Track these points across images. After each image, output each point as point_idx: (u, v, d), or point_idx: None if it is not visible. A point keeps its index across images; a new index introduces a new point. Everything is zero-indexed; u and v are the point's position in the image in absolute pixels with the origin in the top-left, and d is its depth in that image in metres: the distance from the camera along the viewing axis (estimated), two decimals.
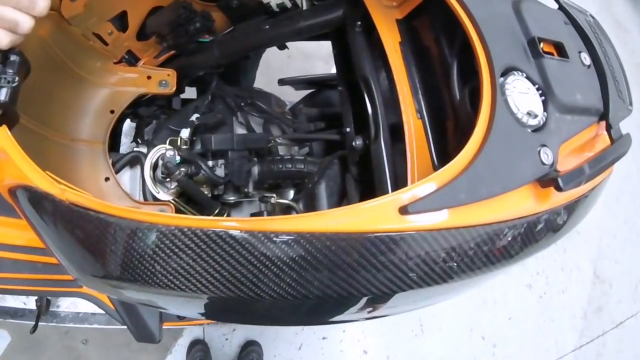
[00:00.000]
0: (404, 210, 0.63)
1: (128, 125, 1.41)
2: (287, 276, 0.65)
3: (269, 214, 1.16)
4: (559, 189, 0.71)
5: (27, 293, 1.34)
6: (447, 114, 0.95)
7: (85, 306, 1.49)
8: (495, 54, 0.78)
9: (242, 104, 1.34)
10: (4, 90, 0.74)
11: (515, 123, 0.75)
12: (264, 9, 1.27)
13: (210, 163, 1.17)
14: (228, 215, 1.23)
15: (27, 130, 1.02)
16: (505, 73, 0.79)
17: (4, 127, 0.73)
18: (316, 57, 2.99)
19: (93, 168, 1.15)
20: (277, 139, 1.29)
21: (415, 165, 0.91)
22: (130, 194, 1.16)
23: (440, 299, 0.97)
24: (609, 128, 0.89)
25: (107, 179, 1.15)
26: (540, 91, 0.80)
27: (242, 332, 2.30)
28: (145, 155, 1.16)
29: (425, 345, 2.55)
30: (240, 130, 1.31)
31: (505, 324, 2.75)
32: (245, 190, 1.22)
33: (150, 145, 1.19)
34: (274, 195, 1.16)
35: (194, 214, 1.18)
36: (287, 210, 1.18)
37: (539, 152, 0.74)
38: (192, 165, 1.12)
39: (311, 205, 1.15)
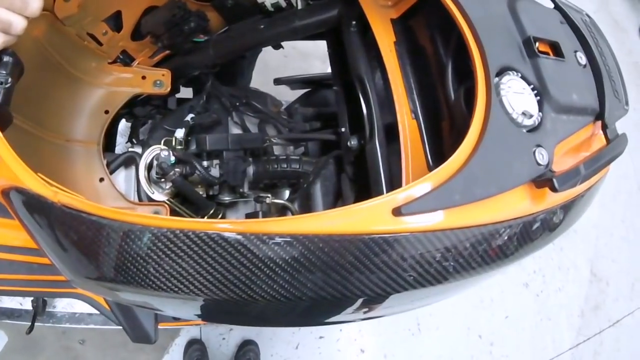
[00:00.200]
0: (398, 212, 0.63)
1: (124, 125, 1.41)
2: (282, 278, 0.64)
3: (265, 214, 1.16)
4: (554, 189, 0.71)
5: (24, 294, 1.33)
6: (442, 114, 0.95)
7: (81, 307, 1.48)
8: (491, 53, 0.78)
9: (238, 103, 1.34)
10: None
11: (510, 123, 0.75)
12: (259, 9, 1.27)
13: (205, 163, 1.17)
14: (223, 216, 1.23)
15: (22, 131, 1.01)
16: (501, 73, 0.79)
17: None
18: (313, 56, 2.99)
19: (88, 168, 1.15)
20: (272, 139, 1.29)
21: (410, 165, 0.91)
22: (125, 194, 1.16)
23: (437, 299, 0.97)
24: (604, 128, 0.89)
25: (101, 179, 1.15)
26: (536, 91, 0.80)
27: (239, 332, 2.29)
28: (140, 156, 1.15)
29: (422, 344, 2.55)
30: (235, 130, 1.31)
31: (502, 322, 2.75)
32: (241, 190, 1.22)
33: (145, 145, 1.19)
34: (270, 195, 1.16)
35: (189, 215, 1.17)
36: (282, 210, 1.18)
37: (534, 152, 0.74)
38: (187, 165, 1.11)
39: (306, 205, 1.14)
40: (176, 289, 0.65)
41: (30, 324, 1.37)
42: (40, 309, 1.39)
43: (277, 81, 1.63)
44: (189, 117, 1.22)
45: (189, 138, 1.21)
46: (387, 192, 0.91)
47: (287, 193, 1.25)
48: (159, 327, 1.24)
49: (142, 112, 1.36)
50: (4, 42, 0.72)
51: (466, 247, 0.70)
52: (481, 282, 0.85)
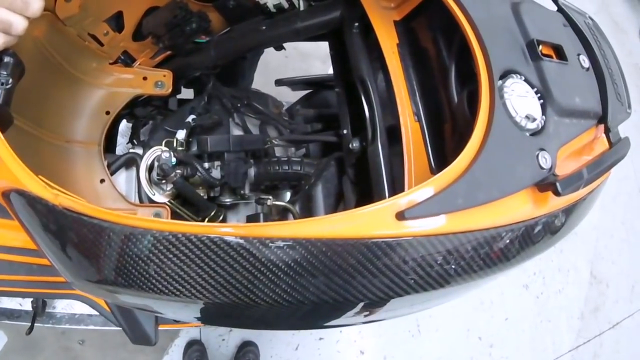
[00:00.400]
0: (400, 216, 0.63)
1: (124, 125, 1.40)
2: (284, 282, 0.64)
3: (266, 216, 1.15)
4: (557, 193, 0.71)
5: (23, 295, 1.33)
6: (444, 117, 0.95)
7: (81, 307, 1.48)
8: (494, 56, 0.77)
9: (239, 104, 1.34)
10: None
11: (513, 127, 0.74)
12: (261, 10, 1.26)
13: (206, 165, 1.16)
14: (224, 217, 1.22)
15: (22, 132, 1.01)
16: (504, 76, 0.78)
17: None
18: (314, 57, 2.99)
19: (88, 170, 1.14)
20: (273, 140, 1.29)
21: (412, 168, 0.90)
22: (125, 195, 1.16)
23: (439, 302, 0.96)
24: (607, 131, 0.89)
25: (102, 180, 1.14)
26: (539, 94, 0.80)
27: (238, 333, 2.29)
28: (141, 157, 1.15)
29: (422, 346, 2.55)
30: (236, 132, 1.30)
31: (502, 324, 2.75)
32: (242, 192, 1.21)
33: (146, 146, 1.18)
34: (271, 197, 1.15)
35: (189, 216, 1.17)
36: (283, 212, 1.17)
37: (538, 156, 0.74)
38: (188, 166, 1.11)
39: (308, 207, 1.14)
40: (177, 293, 0.65)
41: (30, 324, 1.37)
42: (39, 310, 1.39)
43: (279, 82, 1.63)
44: (190, 118, 1.21)
45: (190, 139, 1.21)
46: (389, 194, 0.91)
47: (288, 195, 1.25)
48: (158, 328, 1.24)
49: (143, 113, 1.36)
50: (4, 43, 0.72)
51: (469, 251, 0.70)
52: (483, 285, 0.85)
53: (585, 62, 0.92)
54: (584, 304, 2.99)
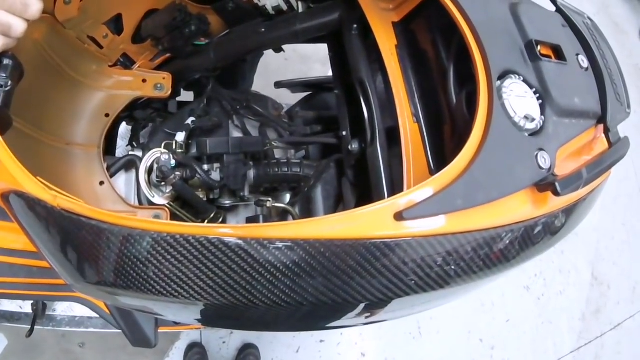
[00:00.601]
0: (399, 216, 0.63)
1: (124, 128, 1.41)
2: (283, 283, 0.64)
3: (265, 218, 1.15)
4: (556, 193, 0.70)
5: (23, 297, 1.33)
6: (443, 118, 0.95)
7: (81, 310, 1.48)
8: (492, 57, 0.77)
9: (238, 107, 1.34)
10: None
11: (512, 127, 0.74)
12: (260, 12, 1.26)
13: (205, 167, 1.16)
14: (224, 220, 1.22)
15: (22, 134, 1.01)
16: (503, 76, 0.78)
17: None
18: (314, 60, 2.99)
19: (88, 172, 1.14)
20: (273, 143, 1.29)
21: (411, 169, 0.90)
22: (125, 198, 1.16)
23: (439, 303, 0.96)
24: (607, 131, 0.89)
25: (102, 183, 1.14)
26: (538, 94, 0.80)
27: (239, 335, 2.29)
28: (141, 159, 1.15)
29: (423, 348, 2.55)
30: (236, 134, 1.31)
31: (503, 326, 2.74)
32: (241, 194, 1.21)
33: (146, 148, 1.19)
34: (270, 199, 1.16)
35: (189, 218, 1.17)
36: (283, 214, 1.17)
37: (537, 156, 0.74)
38: (187, 169, 1.11)
39: (307, 209, 1.14)
40: (176, 294, 0.65)
41: (30, 327, 1.37)
42: (40, 312, 1.38)
43: (278, 84, 1.63)
44: (189, 120, 1.21)
45: (190, 141, 1.21)
46: (389, 196, 0.91)
47: (288, 197, 1.25)
48: (159, 330, 1.24)
49: (143, 115, 1.36)
50: (3, 45, 0.72)
51: (468, 251, 0.69)
52: (484, 287, 0.85)
53: (584, 62, 0.92)
54: (585, 305, 2.99)
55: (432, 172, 0.91)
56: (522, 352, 2.73)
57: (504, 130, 0.73)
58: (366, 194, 1.01)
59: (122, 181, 1.22)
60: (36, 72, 1.02)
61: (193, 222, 1.18)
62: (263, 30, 1.21)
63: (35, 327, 1.38)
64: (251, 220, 1.18)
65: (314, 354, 2.37)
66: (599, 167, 0.80)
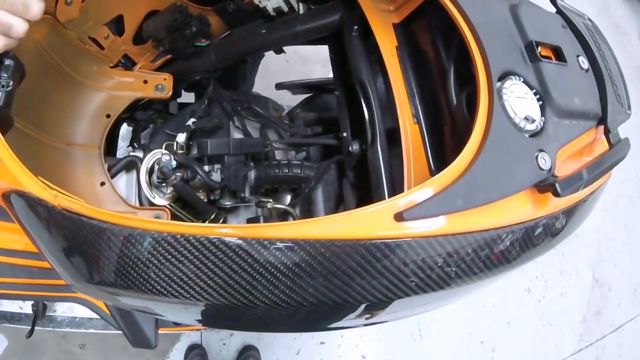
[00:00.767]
0: (399, 217, 0.63)
1: (125, 129, 1.41)
2: (283, 284, 0.64)
3: (266, 219, 1.15)
4: (556, 194, 0.70)
5: (24, 298, 1.33)
6: (444, 119, 0.95)
7: (81, 311, 1.48)
8: (493, 58, 0.78)
9: (239, 108, 1.34)
10: None
11: (512, 128, 0.74)
12: (261, 13, 1.27)
13: (206, 168, 1.16)
14: (224, 220, 1.22)
15: (22, 135, 1.01)
16: (503, 77, 0.79)
17: None
18: (314, 61, 2.99)
19: (89, 172, 1.14)
20: (274, 144, 1.29)
21: (412, 170, 0.90)
22: (126, 198, 1.16)
23: (439, 304, 0.96)
24: (607, 132, 0.89)
25: (102, 183, 1.14)
26: (538, 95, 0.80)
27: (239, 337, 2.29)
28: (141, 160, 1.15)
29: (423, 350, 2.55)
30: (236, 135, 1.31)
31: (504, 328, 2.74)
32: (242, 195, 1.21)
33: (147, 149, 1.19)
34: (271, 200, 1.15)
35: (190, 219, 1.17)
36: (284, 215, 1.17)
37: (537, 157, 0.74)
38: (188, 170, 1.11)
39: (308, 210, 1.14)
40: (177, 294, 0.65)
41: (30, 327, 1.37)
42: (40, 313, 1.38)
43: (279, 86, 1.63)
44: (190, 121, 1.22)
45: (190, 142, 1.21)
46: (389, 197, 0.91)
47: (288, 198, 1.25)
48: (159, 331, 1.24)
49: (144, 116, 1.36)
50: (5, 45, 0.72)
51: (468, 252, 0.69)
52: (484, 288, 0.85)
53: (585, 64, 0.92)
54: (586, 307, 2.98)
55: (433, 173, 0.91)
56: (522, 355, 2.73)
57: (504, 131, 0.73)
58: (367, 195, 1.01)
59: (123, 182, 1.22)
60: (37, 73, 1.02)
61: (194, 222, 1.18)
62: (264, 31, 1.22)
63: (36, 327, 1.38)
64: (252, 221, 1.18)
65: (314, 356, 2.37)
66: (600, 168, 0.80)
